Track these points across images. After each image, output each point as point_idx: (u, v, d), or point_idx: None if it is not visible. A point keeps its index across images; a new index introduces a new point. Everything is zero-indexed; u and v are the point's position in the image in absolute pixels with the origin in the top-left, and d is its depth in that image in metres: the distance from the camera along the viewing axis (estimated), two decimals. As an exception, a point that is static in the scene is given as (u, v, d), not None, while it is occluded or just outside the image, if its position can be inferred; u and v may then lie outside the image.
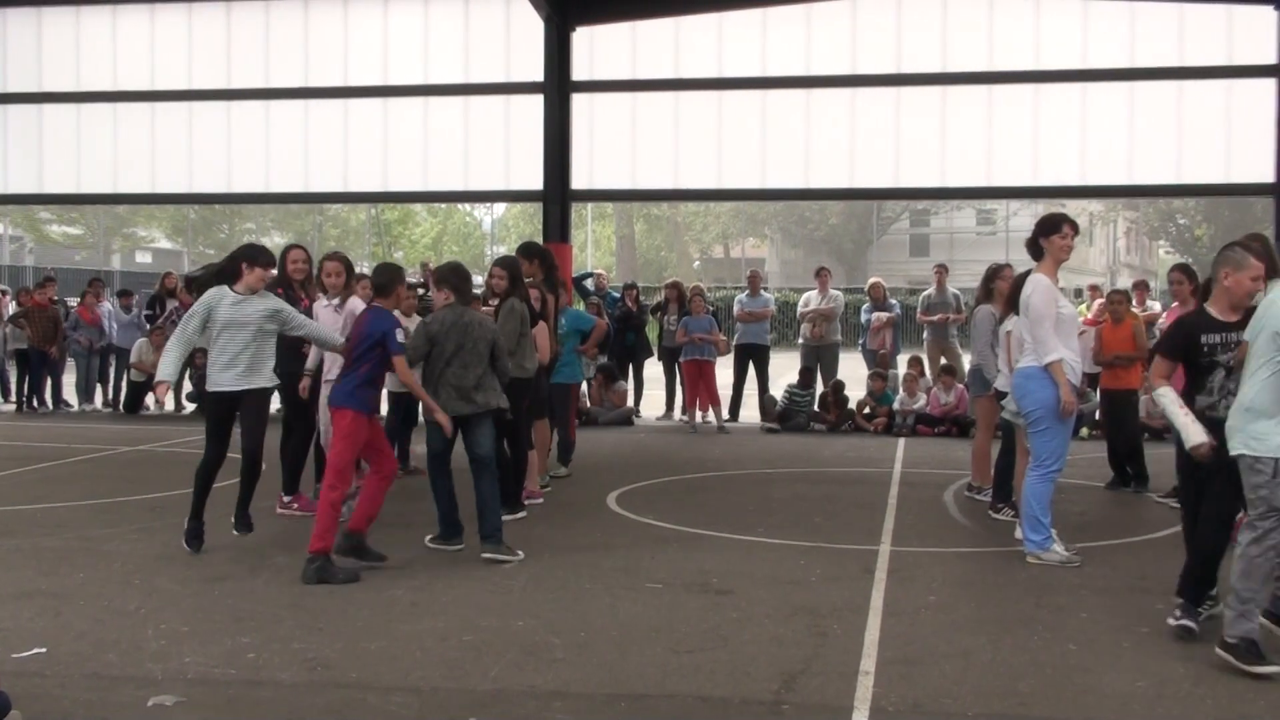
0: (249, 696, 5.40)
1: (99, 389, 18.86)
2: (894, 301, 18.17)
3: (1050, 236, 8.04)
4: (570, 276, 16.51)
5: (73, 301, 20.33)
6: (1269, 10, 16.99)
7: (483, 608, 6.82)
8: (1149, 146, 17.65)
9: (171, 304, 18.44)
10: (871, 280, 18.50)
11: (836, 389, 16.51)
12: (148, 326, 18.58)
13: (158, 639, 6.20)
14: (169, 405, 18.29)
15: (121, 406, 18.32)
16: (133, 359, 18.18)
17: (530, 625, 6.46)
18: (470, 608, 6.82)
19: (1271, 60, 17.03)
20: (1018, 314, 8.77)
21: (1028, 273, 8.63)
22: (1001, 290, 10.02)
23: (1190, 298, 9.59)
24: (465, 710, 5.27)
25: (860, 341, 18.34)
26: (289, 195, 21.96)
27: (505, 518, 9.25)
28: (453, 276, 8.49)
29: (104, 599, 6.99)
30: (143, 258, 61.19)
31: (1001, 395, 9.52)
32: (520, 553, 8.09)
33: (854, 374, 17.97)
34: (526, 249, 11.00)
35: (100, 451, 13.78)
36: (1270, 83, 17.11)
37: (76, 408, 18.59)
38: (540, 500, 10.28)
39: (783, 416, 16.20)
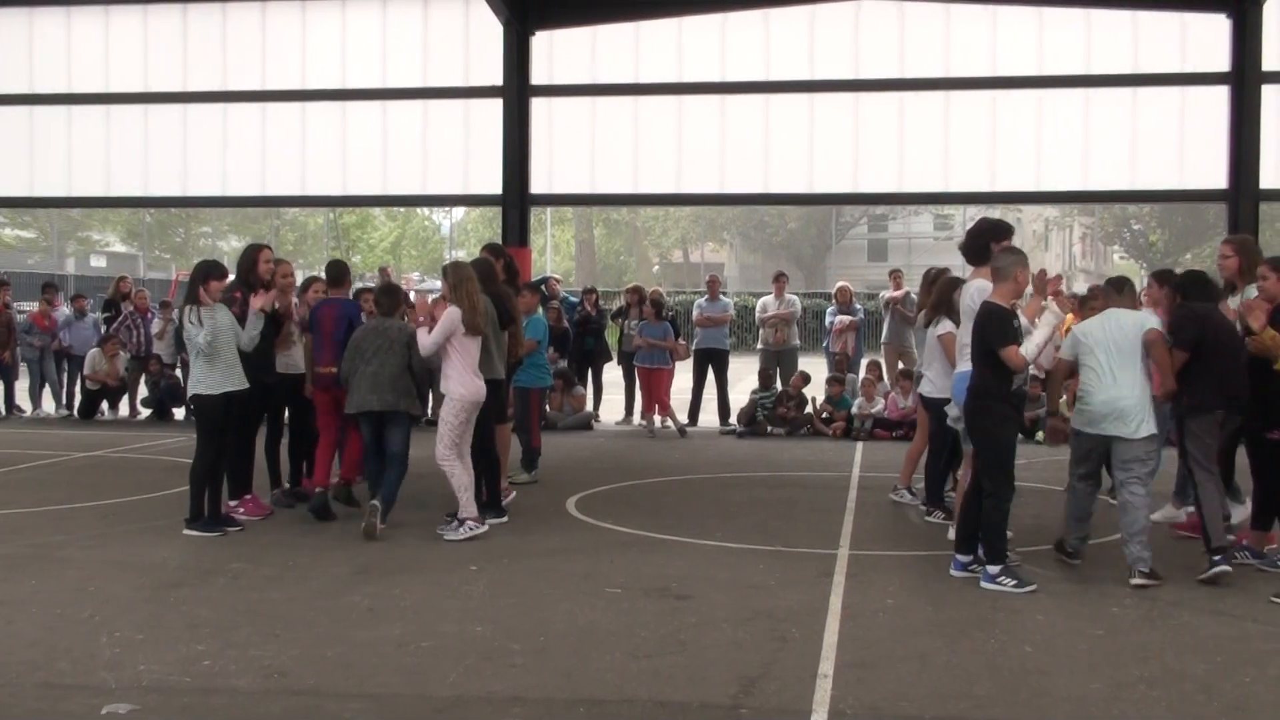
0: (204, 704, 5.35)
1: (50, 394, 18.60)
2: (858, 306, 18.23)
3: (1001, 242, 8.12)
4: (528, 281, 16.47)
5: (26, 306, 20.10)
6: (1222, 18, 17.21)
7: (441, 613, 6.79)
8: (1104, 152, 17.82)
9: (126, 308, 18.26)
10: (838, 284, 18.57)
11: (804, 379, 16.59)
12: (104, 330, 18.38)
13: (111, 647, 6.13)
14: (124, 411, 18.13)
15: (77, 412, 18.12)
16: (86, 370, 17.96)
17: (489, 631, 6.45)
18: (428, 613, 6.79)
19: (1224, 68, 17.24)
20: (945, 317, 9.37)
21: (954, 278, 9.04)
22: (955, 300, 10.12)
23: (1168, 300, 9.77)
24: (423, 716, 5.25)
25: (824, 344, 18.40)
26: (246, 199, 21.84)
27: (491, 521, 9.35)
28: (376, 292, 9.97)
29: (56, 607, 6.92)
30: (97, 261, 60.74)
31: (930, 401, 9.63)
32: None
33: (814, 378, 18.04)
34: (495, 248, 11.00)
35: (54, 458, 13.63)
36: (1223, 90, 17.32)
37: (30, 413, 18.38)
38: (513, 494, 10.31)
39: (753, 420, 16.20)
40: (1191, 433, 7.94)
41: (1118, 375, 7.69)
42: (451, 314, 8.90)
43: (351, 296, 10.93)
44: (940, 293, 9.85)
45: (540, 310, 12.14)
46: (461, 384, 8.97)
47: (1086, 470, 8.09)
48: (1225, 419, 8.11)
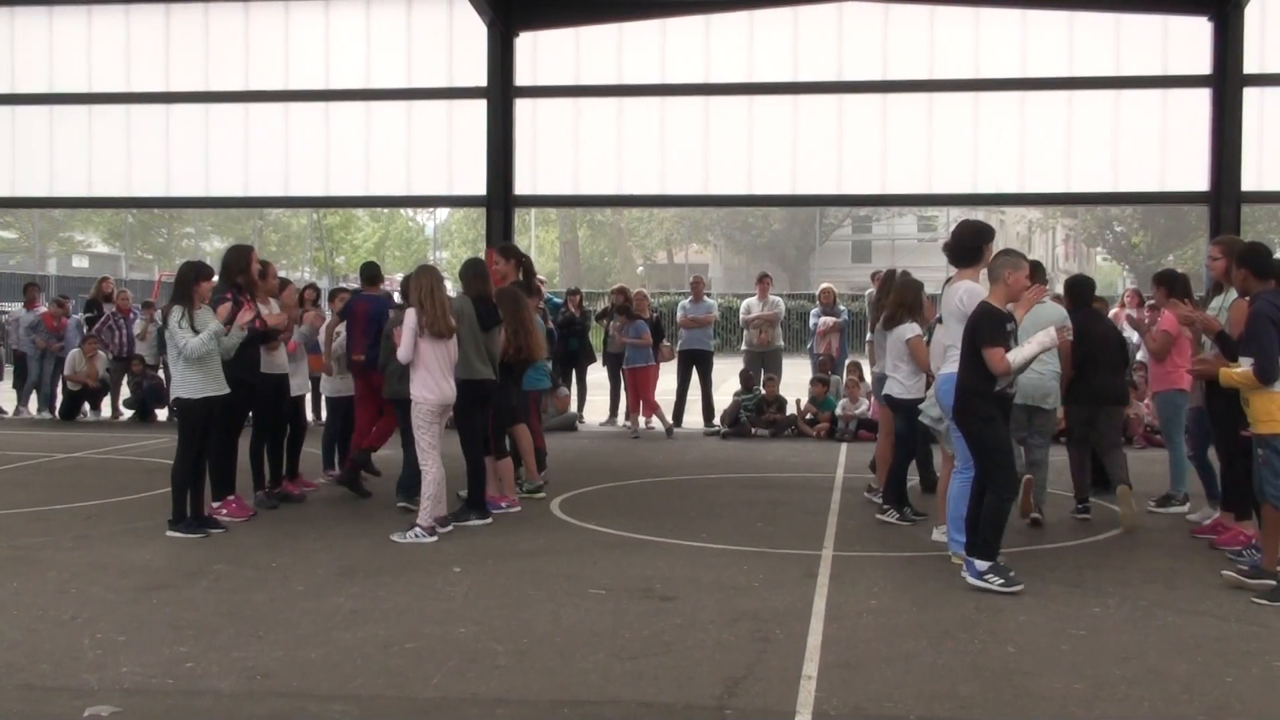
0: (187, 706, 5.33)
1: (34, 394, 18.52)
2: (842, 307, 18.24)
3: (990, 244, 8.15)
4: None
5: (7, 306, 20.01)
6: (1203, 21, 17.28)
7: (424, 615, 6.78)
8: (1086, 154, 17.86)
9: (108, 309, 18.20)
10: (822, 286, 18.58)
11: (770, 390, 16.61)
12: (85, 331, 18.32)
13: (93, 649, 6.11)
14: (106, 412, 18.07)
15: (58, 413, 18.04)
16: (67, 370, 17.89)
17: (472, 632, 6.43)
18: (412, 615, 6.78)
19: (1206, 70, 17.30)
20: (911, 320, 9.74)
21: (916, 281, 10.06)
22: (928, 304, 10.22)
23: (1167, 300, 9.94)
24: (407, 718, 5.24)
25: (808, 346, 18.42)
26: (229, 199, 21.72)
27: (475, 522, 9.36)
28: (404, 281, 10.27)
29: (38, 608, 6.89)
30: (79, 262, 60.54)
31: (900, 403, 9.67)
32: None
33: (798, 379, 18.06)
34: (506, 250, 11.10)
35: (35, 459, 13.57)
36: (1204, 92, 17.38)
37: (10, 414, 18.31)
38: (518, 509, 10.23)
39: (736, 421, 16.22)
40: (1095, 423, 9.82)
41: (1045, 357, 8.77)
42: (410, 316, 9.00)
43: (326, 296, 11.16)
44: (905, 295, 9.90)
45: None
46: (425, 387, 9.01)
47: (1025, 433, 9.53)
48: (1098, 413, 9.77)
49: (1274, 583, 7.14)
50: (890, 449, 10.38)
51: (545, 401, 16.59)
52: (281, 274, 12.25)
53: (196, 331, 8.96)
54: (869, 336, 17.64)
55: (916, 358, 9.63)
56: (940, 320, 8.59)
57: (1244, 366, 7.34)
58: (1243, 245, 8.04)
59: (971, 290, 7.93)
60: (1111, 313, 15.65)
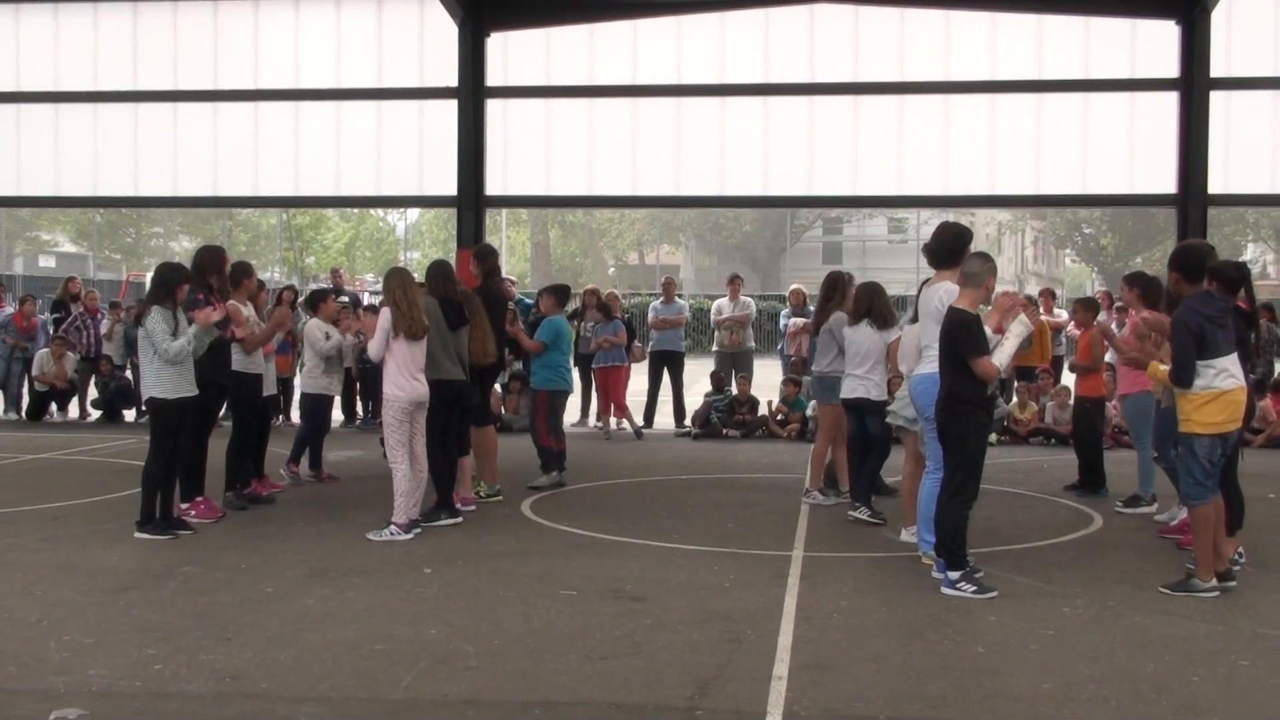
0: (155, 709, 5.30)
1: (4, 395, 18.34)
2: (812, 309, 18.27)
3: (970, 246, 8.18)
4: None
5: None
6: (1171, 25, 17.40)
7: (395, 616, 6.76)
8: (1056, 157, 17.96)
9: (76, 309, 18.06)
10: (792, 287, 18.60)
11: (748, 381, 16.65)
12: (51, 331, 18.17)
13: (60, 651, 6.06)
14: (73, 413, 17.93)
15: (24, 414, 17.89)
16: (35, 371, 17.74)
17: (443, 633, 6.42)
18: (382, 617, 6.76)
19: (1173, 74, 17.43)
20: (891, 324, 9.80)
21: (876, 283, 10.23)
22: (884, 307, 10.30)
23: (1139, 303, 9.96)
24: (377, 720, 5.22)
25: (779, 347, 18.45)
26: (197, 199, 21.57)
27: (445, 522, 9.39)
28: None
29: (4, 611, 6.83)
30: (46, 262, 60.08)
31: (875, 404, 9.72)
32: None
33: (769, 380, 18.08)
34: (485, 250, 11.35)
35: (1, 460, 13.45)
36: (1172, 96, 17.50)
37: (-24, 415, 18.16)
38: (473, 508, 10.20)
39: (707, 422, 16.24)
40: None
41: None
42: (384, 315, 9.17)
43: (305, 299, 10.97)
44: (869, 297, 9.96)
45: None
46: (396, 385, 9.13)
47: None
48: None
49: (1186, 592, 7.25)
50: (827, 449, 10.56)
51: (517, 402, 16.56)
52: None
53: (176, 335, 8.94)
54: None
55: (896, 361, 9.68)
56: (915, 319, 8.62)
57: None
58: (1177, 247, 8.11)
59: (951, 292, 7.95)
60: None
